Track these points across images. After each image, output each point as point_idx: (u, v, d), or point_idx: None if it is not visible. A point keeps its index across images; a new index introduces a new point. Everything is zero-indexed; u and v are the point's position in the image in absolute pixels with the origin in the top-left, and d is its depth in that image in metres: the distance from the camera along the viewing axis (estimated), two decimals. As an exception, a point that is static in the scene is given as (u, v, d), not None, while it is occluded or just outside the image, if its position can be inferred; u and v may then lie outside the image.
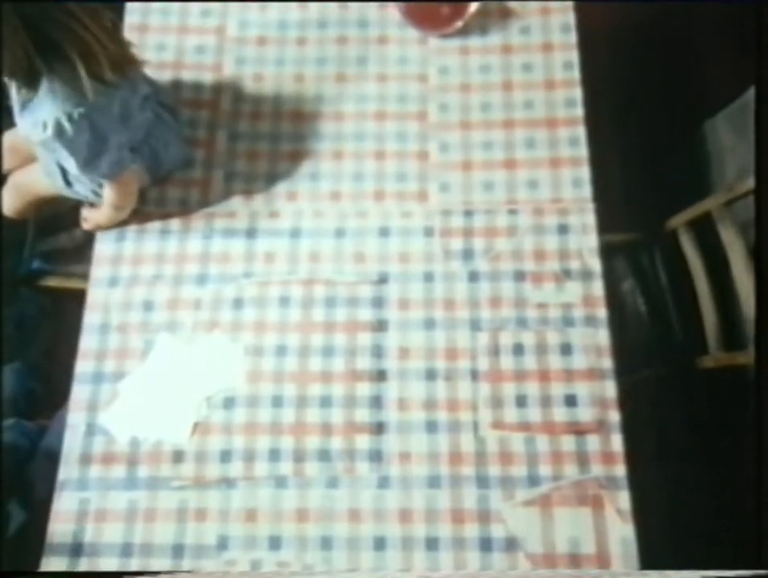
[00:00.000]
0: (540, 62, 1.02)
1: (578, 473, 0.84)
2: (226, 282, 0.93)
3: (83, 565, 0.82)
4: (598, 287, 0.91)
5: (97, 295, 0.94)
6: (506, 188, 0.96)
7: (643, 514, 0.83)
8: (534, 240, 0.94)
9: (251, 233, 0.96)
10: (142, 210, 0.97)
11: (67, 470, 0.86)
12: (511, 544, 0.81)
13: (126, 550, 0.83)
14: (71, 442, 0.87)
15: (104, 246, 0.96)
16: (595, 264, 0.92)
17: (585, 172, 0.96)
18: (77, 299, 0.97)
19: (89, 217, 0.94)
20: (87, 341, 0.92)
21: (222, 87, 1.02)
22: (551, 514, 0.82)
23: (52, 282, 1.24)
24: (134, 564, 0.82)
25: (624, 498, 0.82)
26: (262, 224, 0.96)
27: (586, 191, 0.96)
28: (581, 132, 0.98)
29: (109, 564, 0.82)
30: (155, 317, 0.92)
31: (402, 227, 0.95)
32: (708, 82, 1.27)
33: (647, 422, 1.12)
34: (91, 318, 0.93)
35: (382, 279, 0.93)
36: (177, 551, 0.82)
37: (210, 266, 0.94)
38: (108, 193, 0.87)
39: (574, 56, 1.02)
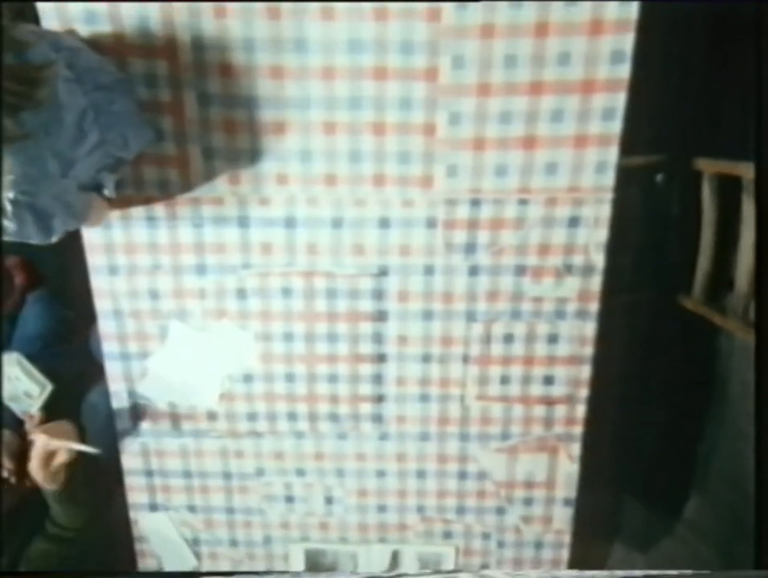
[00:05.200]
0: (591, -11, 0.78)
1: (543, 432, 1.03)
2: (226, 273, 0.94)
3: (158, 483, 1.09)
4: (596, 282, 0.93)
5: (101, 283, 0.96)
6: (520, 172, 0.87)
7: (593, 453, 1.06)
8: (541, 233, 0.90)
9: (242, 221, 0.91)
10: (121, 194, 0.90)
11: (121, 423, 1.05)
12: (482, 475, 1.06)
13: (187, 474, 1.08)
14: (119, 404, 1.04)
15: (92, 234, 0.93)
16: (598, 259, 0.91)
17: (612, 154, 0.85)
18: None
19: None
20: (106, 326, 0.98)
21: (176, 25, 0.81)
22: (516, 457, 1.05)
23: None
24: (196, 483, 1.09)
25: (576, 448, 1.03)
26: (253, 212, 0.91)
27: (609, 177, 0.87)
28: (620, 100, 0.82)
29: (178, 484, 1.09)
30: (163, 305, 0.96)
31: (403, 218, 0.90)
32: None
33: (617, 344, 1.26)
34: (102, 304, 0.97)
35: (382, 272, 0.93)
36: (226, 476, 1.08)
37: (206, 257, 0.93)
38: None
39: (639, -21, 0.77)
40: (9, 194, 0.60)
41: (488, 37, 0.79)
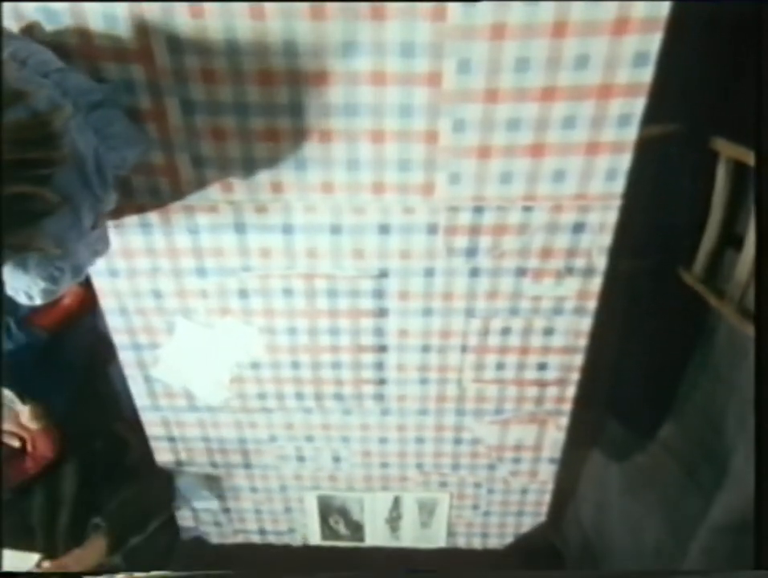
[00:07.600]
0: (619, -17, 0.69)
1: (534, 408, 1.11)
2: (227, 275, 0.95)
3: (180, 447, 1.20)
4: (596, 283, 0.94)
5: (103, 284, 0.97)
6: (526, 180, 0.83)
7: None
8: (544, 238, 0.89)
9: (239, 228, 0.90)
10: (110, 201, 0.87)
11: (141, 401, 1.13)
12: (475, 441, 1.17)
13: (206, 440, 1.19)
14: (136, 386, 1.10)
15: (87, 240, 0.92)
16: (600, 263, 0.91)
17: (624, 162, 0.81)
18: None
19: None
20: (113, 321, 1.01)
21: (148, 26, 0.72)
22: (508, 427, 1.14)
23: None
24: (215, 446, 1.20)
25: (564, 420, 1.12)
26: (249, 219, 0.89)
27: (618, 185, 0.84)
28: (638, 106, 0.77)
29: (198, 447, 1.20)
30: (168, 304, 0.98)
31: (403, 224, 0.88)
32: None
33: (615, 307, 1.29)
34: (106, 303, 0.99)
35: (383, 274, 0.94)
36: (242, 441, 1.19)
37: (205, 260, 0.93)
38: None
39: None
40: (57, 263, 0.60)
41: (498, 38, 0.71)
